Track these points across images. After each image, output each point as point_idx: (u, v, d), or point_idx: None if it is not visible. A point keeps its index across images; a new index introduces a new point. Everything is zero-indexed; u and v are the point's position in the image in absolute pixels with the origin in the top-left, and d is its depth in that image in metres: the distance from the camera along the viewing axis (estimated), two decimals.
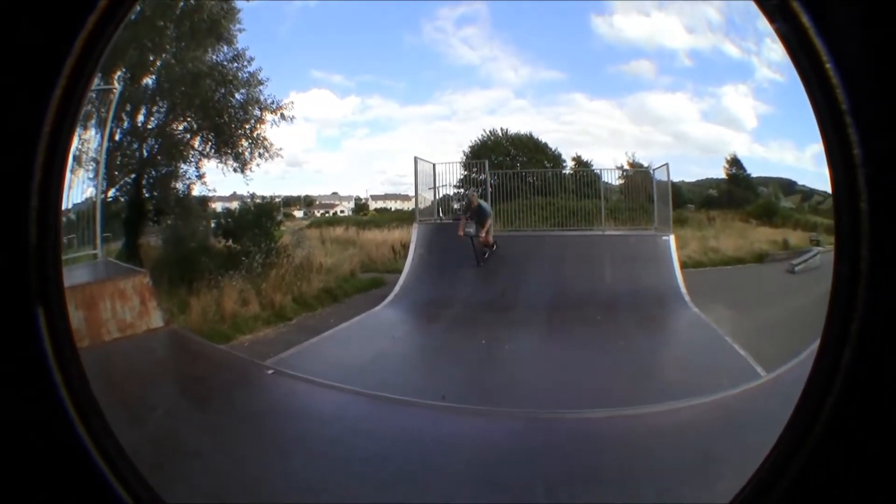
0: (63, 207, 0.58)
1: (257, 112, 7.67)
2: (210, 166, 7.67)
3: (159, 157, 7.45)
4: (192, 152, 7.56)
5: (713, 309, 6.24)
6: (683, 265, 7.47)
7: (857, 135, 0.54)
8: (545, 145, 10.53)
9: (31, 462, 0.58)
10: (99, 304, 3.99)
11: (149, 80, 7.33)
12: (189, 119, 7.53)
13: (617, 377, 4.41)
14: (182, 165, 7.49)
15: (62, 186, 0.56)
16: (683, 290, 6.84)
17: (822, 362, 0.56)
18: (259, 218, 7.74)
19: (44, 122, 0.55)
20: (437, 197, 9.05)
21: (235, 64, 7.57)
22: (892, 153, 0.54)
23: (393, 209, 10.78)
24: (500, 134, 10.42)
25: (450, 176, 9.21)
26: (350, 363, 4.79)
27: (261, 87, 7.68)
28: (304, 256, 7.85)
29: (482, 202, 8.07)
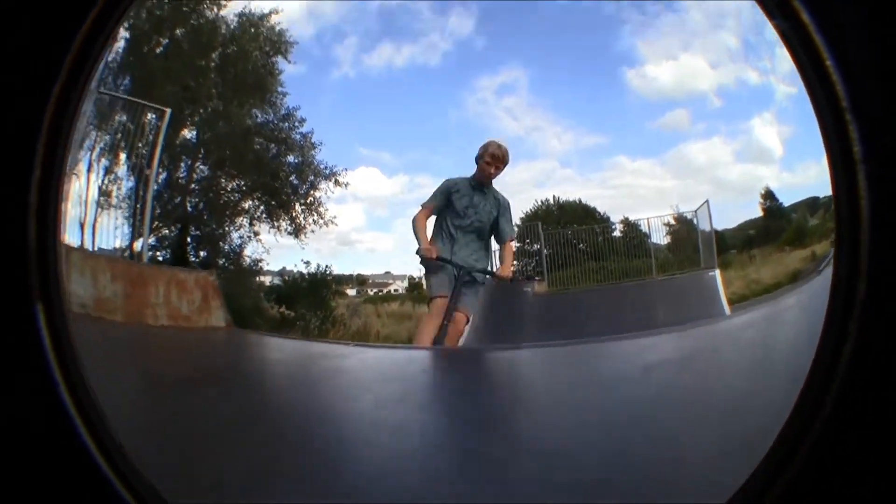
0: (60, 208, 0.57)
1: (311, 177, 7.33)
2: (263, 230, 7.34)
3: (205, 216, 7.09)
4: (243, 215, 7.19)
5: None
6: (730, 301, 7.82)
7: (857, 132, 0.54)
8: (594, 210, 10.69)
9: (30, 460, 0.58)
10: (149, 286, 3.88)
11: (190, 131, 7.06)
12: (239, 178, 7.14)
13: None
14: (231, 226, 7.12)
15: (62, 182, 0.56)
16: (728, 312, 7.20)
17: (820, 360, 0.56)
18: (314, 286, 7.59)
19: (43, 117, 0.55)
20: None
21: (286, 123, 7.24)
22: (893, 150, 0.54)
23: None
24: (552, 202, 10.58)
25: None
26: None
27: (313, 152, 7.34)
28: (361, 325, 7.81)
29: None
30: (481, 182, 3.55)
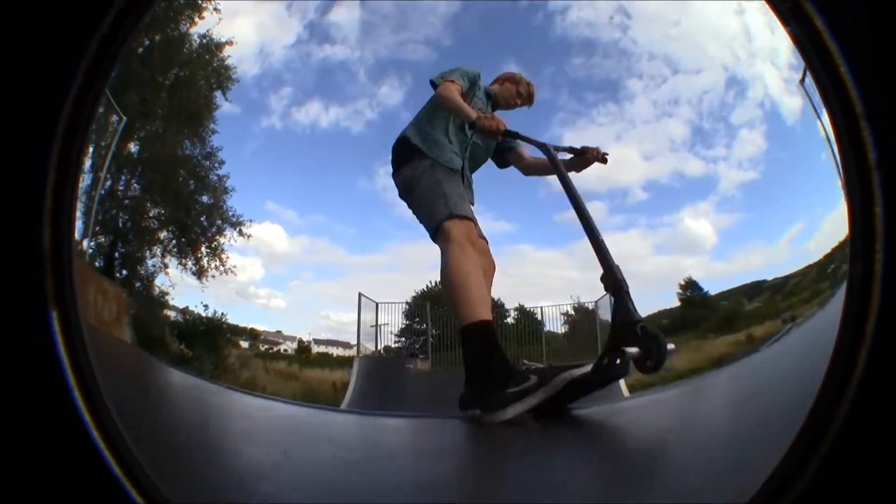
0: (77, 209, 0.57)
1: (219, 221, 7.02)
2: (170, 262, 7.10)
3: (130, 236, 6.78)
4: (157, 245, 6.92)
5: None
6: (632, 388, 7.35)
7: (871, 138, 0.54)
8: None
9: (45, 464, 0.58)
10: (87, 286, 3.88)
11: (135, 145, 6.65)
12: (160, 206, 6.85)
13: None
14: (148, 253, 6.87)
15: (77, 188, 0.56)
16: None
17: (836, 364, 0.56)
18: (209, 332, 7.56)
19: (58, 123, 0.55)
20: (378, 336, 9.08)
21: (208, 162, 6.94)
22: None
23: (335, 355, 10.70)
24: None
25: (394, 318, 9.19)
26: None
27: (225, 196, 7.03)
28: (248, 378, 7.80)
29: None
30: (496, 103, 2.51)
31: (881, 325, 0.54)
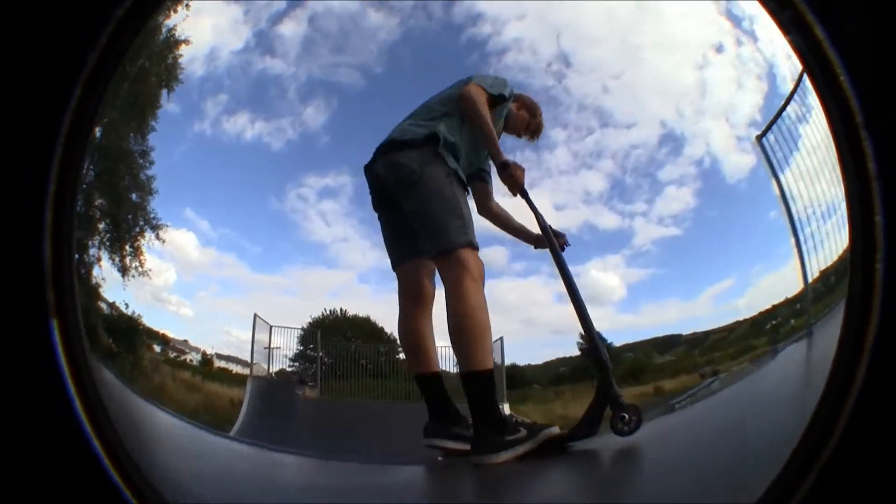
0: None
1: (142, 222, 7.27)
2: (103, 256, 7.42)
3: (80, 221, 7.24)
4: (97, 234, 7.19)
5: None
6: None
7: (871, 148, 0.54)
8: (381, 330, 10.67)
9: (46, 472, 0.58)
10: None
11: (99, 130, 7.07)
12: (103, 197, 7.13)
13: None
14: (90, 241, 7.14)
15: (76, 199, 0.57)
16: None
17: (836, 376, 0.56)
18: (128, 331, 7.74)
19: (59, 133, 0.55)
20: (270, 359, 9.26)
21: (142, 160, 7.16)
22: None
23: (234, 372, 10.91)
24: (339, 314, 10.59)
25: (288, 341, 9.34)
26: None
27: (150, 197, 7.28)
28: (159, 383, 7.99)
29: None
30: (506, 126, 2.27)
31: (882, 334, 0.54)
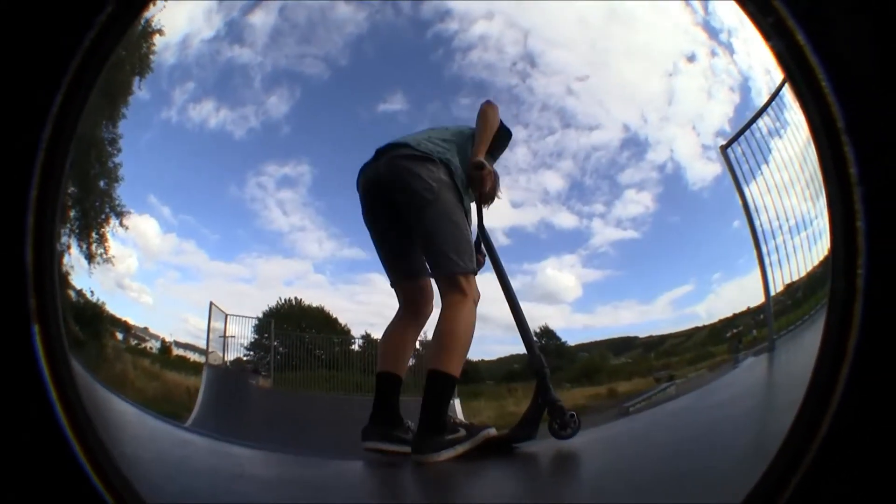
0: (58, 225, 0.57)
1: (108, 209, 7.49)
2: (72, 244, 7.60)
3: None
4: (68, 222, 7.37)
5: None
6: None
7: (853, 153, 0.55)
8: (335, 320, 10.70)
9: (28, 479, 0.58)
10: None
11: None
12: (75, 186, 7.37)
13: None
14: (63, 231, 7.32)
15: (59, 204, 0.56)
16: None
17: (818, 379, 0.56)
18: (93, 318, 7.90)
19: (41, 138, 0.55)
20: (226, 347, 9.34)
21: (111, 148, 7.36)
22: (888, 171, 0.54)
23: (192, 360, 10.97)
24: (294, 303, 10.62)
25: (243, 330, 9.40)
26: None
27: (116, 185, 7.51)
28: (120, 371, 8.11)
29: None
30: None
31: (863, 339, 0.54)
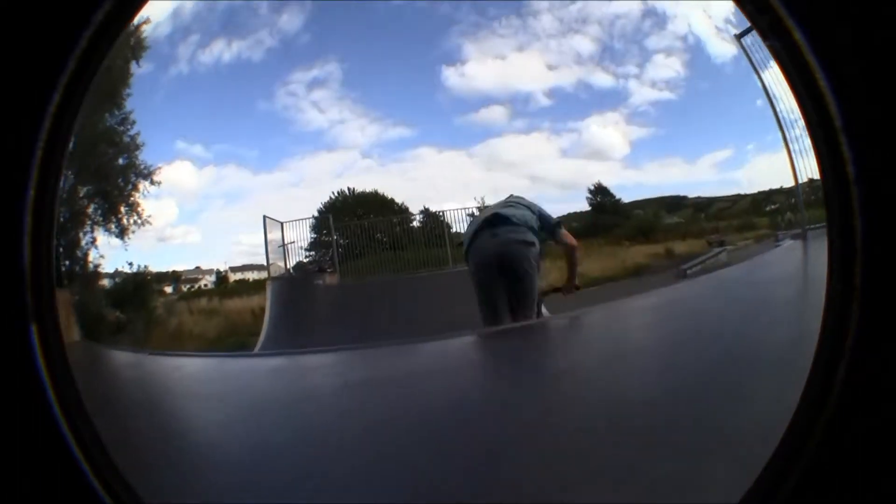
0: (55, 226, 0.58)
1: (133, 177, 7.69)
2: (100, 234, 7.72)
3: (68, 225, 7.44)
4: (87, 220, 7.55)
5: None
6: (542, 292, 7.12)
7: (850, 153, 0.54)
8: (391, 201, 10.56)
9: (25, 480, 0.58)
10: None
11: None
12: (88, 185, 7.55)
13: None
14: (81, 233, 7.49)
15: (56, 203, 0.57)
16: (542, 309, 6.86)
17: (815, 379, 0.56)
18: (137, 288, 7.99)
19: (39, 137, 0.55)
20: (287, 255, 9.17)
21: (122, 127, 7.58)
22: (886, 171, 0.54)
23: (251, 279, 10.80)
24: (347, 193, 10.45)
25: (301, 234, 9.28)
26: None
27: (137, 152, 7.72)
28: (176, 326, 8.10)
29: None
30: None
31: (861, 341, 0.54)
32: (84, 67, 0.58)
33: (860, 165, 0.54)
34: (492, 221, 3.20)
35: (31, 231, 0.56)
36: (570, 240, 3.38)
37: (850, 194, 0.55)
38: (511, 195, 3.54)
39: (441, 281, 7.76)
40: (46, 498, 0.57)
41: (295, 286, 8.12)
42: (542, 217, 3.36)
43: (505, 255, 3.10)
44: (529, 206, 3.35)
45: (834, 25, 0.56)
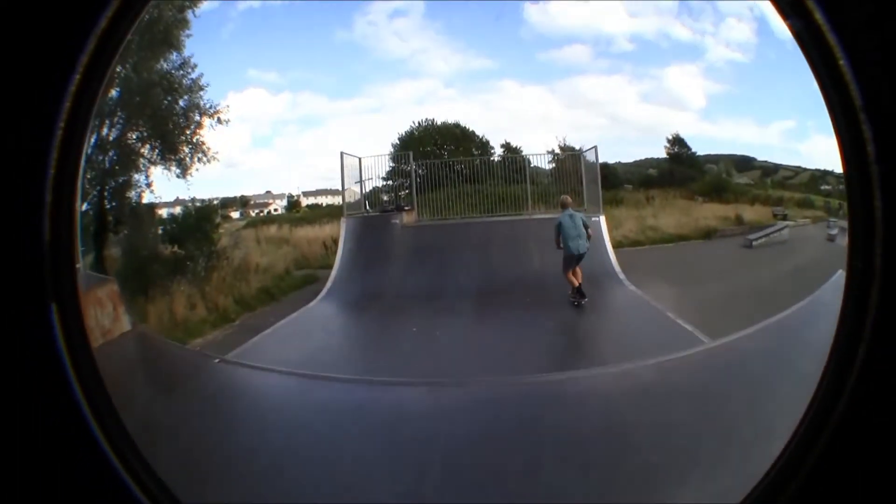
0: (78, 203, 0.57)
1: (197, 117, 7.88)
2: (157, 173, 7.90)
3: (117, 168, 7.57)
4: (142, 161, 7.72)
5: (652, 286, 6.23)
6: (619, 245, 7.46)
7: (870, 132, 0.54)
8: (472, 133, 10.51)
9: (45, 459, 0.58)
10: (87, 315, 3.97)
11: (114, 92, 7.48)
12: (141, 129, 7.72)
13: (549, 356, 4.58)
14: (135, 175, 7.65)
15: (77, 182, 0.56)
16: (618, 269, 6.86)
17: (835, 359, 0.56)
18: (199, 222, 8.01)
19: (59, 117, 0.55)
20: (363, 191, 9.11)
21: (181, 71, 7.77)
22: None
23: (325, 204, 10.76)
24: (427, 124, 10.40)
25: (378, 169, 9.23)
26: (290, 358, 5.04)
27: (201, 93, 7.88)
28: (242, 258, 8.08)
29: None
30: None
31: (881, 320, 0.54)
32: (103, 47, 0.57)
33: (881, 144, 0.54)
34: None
35: (51, 212, 0.55)
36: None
37: (871, 174, 0.55)
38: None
39: (519, 229, 7.77)
40: (66, 475, 0.57)
41: (370, 225, 8.01)
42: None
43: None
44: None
45: (855, 6, 0.56)
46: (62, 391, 0.58)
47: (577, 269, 6.30)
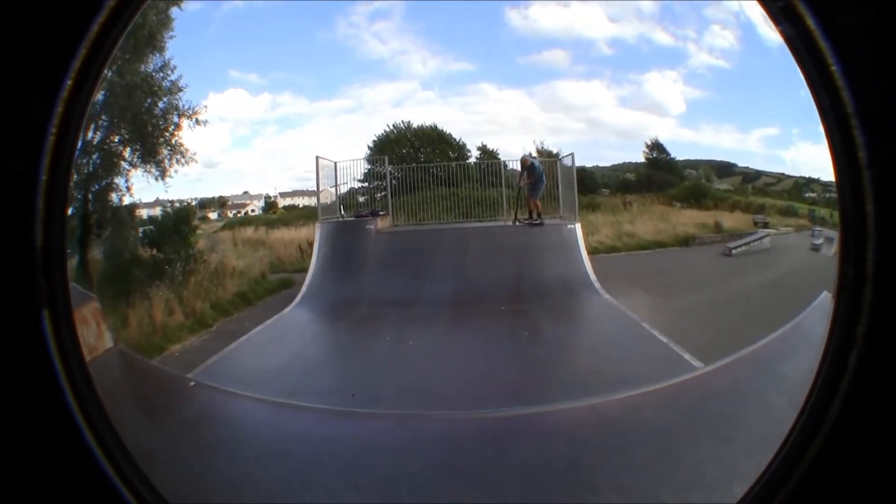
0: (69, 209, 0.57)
1: (176, 119, 7.92)
2: (137, 175, 7.95)
3: (100, 171, 7.60)
4: (123, 164, 7.76)
5: (628, 295, 6.18)
6: (594, 251, 7.50)
7: (862, 137, 0.54)
8: (449, 136, 10.53)
9: (37, 464, 0.58)
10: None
11: (100, 95, 7.52)
12: (123, 132, 7.76)
13: (523, 370, 4.51)
14: (116, 178, 7.68)
15: (68, 188, 0.56)
16: (593, 277, 6.81)
17: (827, 365, 0.56)
18: (177, 224, 8.02)
19: (50, 123, 0.55)
20: (339, 195, 9.11)
21: (161, 73, 7.81)
22: None
23: (301, 205, 10.77)
24: (403, 127, 10.41)
25: (354, 171, 9.24)
26: (266, 367, 5.07)
27: (180, 94, 7.92)
28: (219, 261, 8.08)
29: (535, 162, 7.97)
30: None
31: (873, 326, 0.54)
32: (94, 55, 0.57)
33: (872, 150, 0.54)
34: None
35: (43, 217, 0.55)
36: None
37: (863, 179, 0.55)
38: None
39: (494, 235, 7.86)
40: (57, 477, 0.57)
41: (345, 230, 8.01)
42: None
43: None
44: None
45: (846, 12, 0.56)
46: (54, 396, 0.58)
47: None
